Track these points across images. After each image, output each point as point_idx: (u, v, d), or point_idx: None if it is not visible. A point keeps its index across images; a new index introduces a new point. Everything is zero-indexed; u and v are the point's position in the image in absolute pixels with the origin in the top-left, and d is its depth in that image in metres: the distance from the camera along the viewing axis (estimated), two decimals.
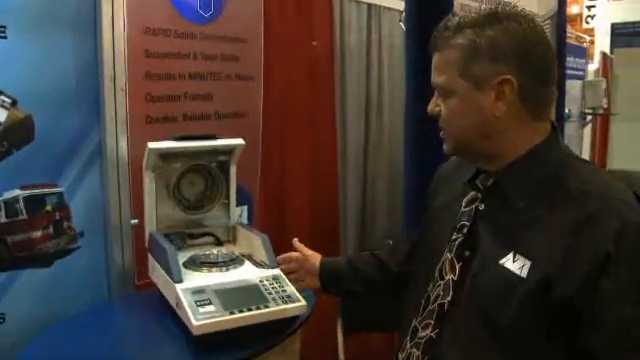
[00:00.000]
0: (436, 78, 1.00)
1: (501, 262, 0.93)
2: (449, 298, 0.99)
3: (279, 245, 1.51)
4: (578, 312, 0.85)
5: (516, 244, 0.93)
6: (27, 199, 1.39)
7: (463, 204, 1.04)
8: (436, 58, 1.00)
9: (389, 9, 2.85)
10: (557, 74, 0.99)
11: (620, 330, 0.83)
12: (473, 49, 0.94)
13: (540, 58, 0.94)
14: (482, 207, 1.01)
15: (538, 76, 0.94)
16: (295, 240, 1.45)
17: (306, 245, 1.46)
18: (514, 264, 0.91)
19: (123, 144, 1.56)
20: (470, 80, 0.95)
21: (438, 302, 1.01)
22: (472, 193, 1.04)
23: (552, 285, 0.86)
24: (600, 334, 0.84)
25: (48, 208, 1.43)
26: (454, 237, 1.02)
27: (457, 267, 0.99)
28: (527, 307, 0.88)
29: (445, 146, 1.04)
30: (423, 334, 1.02)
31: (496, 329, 0.92)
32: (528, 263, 0.89)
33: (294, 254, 1.43)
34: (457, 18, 0.97)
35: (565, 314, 0.86)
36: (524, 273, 0.89)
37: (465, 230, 1.01)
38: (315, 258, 1.40)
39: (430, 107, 1.03)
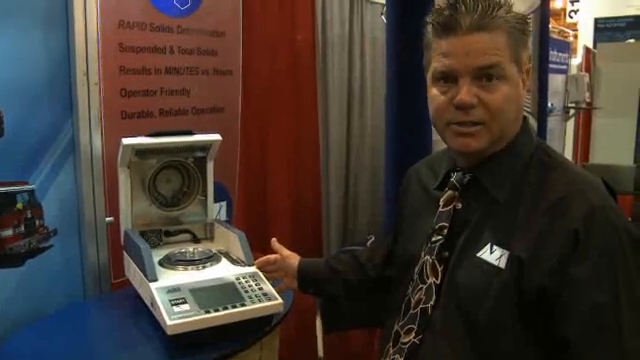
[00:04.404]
0: (485, 61, 0.88)
1: (478, 255, 0.92)
2: (432, 302, 0.97)
3: (261, 241, 1.48)
4: (552, 300, 0.85)
5: (493, 235, 0.92)
6: None
7: (441, 204, 1.02)
8: (482, 38, 0.88)
9: (371, 2, 2.84)
10: None
11: (593, 317, 0.83)
12: (520, 32, 0.91)
13: None
14: (460, 206, 0.99)
15: None
16: (273, 240, 1.42)
17: (288, 241, 1.44)
18: (491, 255, 0.91)
19: (97, 140, 1.53)
20: (517, 65, 0.92)
21: (420, 306, 0.99)
22: (449, 192, 1.02)
23: (526, 271, 0.86)
24: (574, 321, 0.83)
25: (19, 206, 1.39)
26: (434, 239, 1.00)
27: (439, 270, 0.98)
28: (504, 298, 0.88)
29: (478, 142, 0.92)
30: (406, 340, 1.00)
31: (474, 325, 0.91)
32: (506, 253, 0.89)
33: (272, 256, 1.39)
34: None
35: (540, 303, 0.85)
36: (502, 263, 0.89)
37: (445, 232, 0.99)
38: (293, 259, 1.37)
39: (468, 97, 0.89)
